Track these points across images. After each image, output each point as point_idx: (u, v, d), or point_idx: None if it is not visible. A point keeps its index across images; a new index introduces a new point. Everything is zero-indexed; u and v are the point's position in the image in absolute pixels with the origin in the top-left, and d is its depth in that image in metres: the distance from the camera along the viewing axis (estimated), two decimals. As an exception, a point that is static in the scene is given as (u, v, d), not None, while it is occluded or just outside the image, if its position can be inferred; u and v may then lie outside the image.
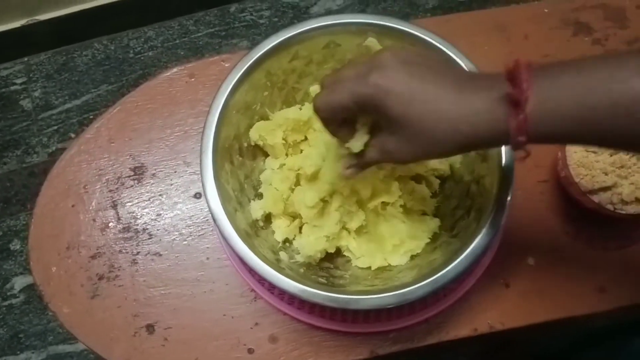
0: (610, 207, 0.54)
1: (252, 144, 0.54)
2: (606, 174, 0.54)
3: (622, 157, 0.54)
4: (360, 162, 0.43)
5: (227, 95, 0.49)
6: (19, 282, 0.78)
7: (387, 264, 0.52)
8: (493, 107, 0.35)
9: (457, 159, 0.55)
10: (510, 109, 0.34)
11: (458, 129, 0.35)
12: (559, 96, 0.33)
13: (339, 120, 0.41)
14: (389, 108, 0.36)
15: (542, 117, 0.33)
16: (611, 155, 0.55)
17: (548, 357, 0.82)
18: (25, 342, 0.76)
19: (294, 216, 0.52)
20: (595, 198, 0.54)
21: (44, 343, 0.77)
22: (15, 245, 0.80)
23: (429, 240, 0.53)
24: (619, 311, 0.56)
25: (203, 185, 0.47)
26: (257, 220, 0.51)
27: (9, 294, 0.73)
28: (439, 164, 0.54)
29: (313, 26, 0.51)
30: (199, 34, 0.81)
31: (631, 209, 0.54)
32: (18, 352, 0.73)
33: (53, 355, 0.72)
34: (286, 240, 0.52)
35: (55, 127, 0.77)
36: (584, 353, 0.70)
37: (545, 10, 0.66)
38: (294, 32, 0.51)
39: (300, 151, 0.55)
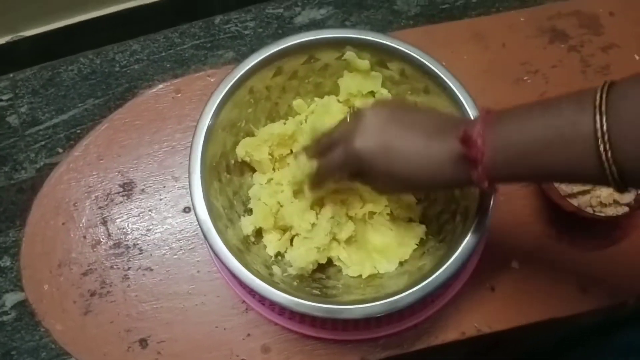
0: (589, 210, 0.55)
1: (239, 160, 0.55)
2: None
3: None
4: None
5: (212, 115, 0.50)
6: (10, 299, 0.78)
7: (376, 272, 0.53)
8: (456, 163, 0.41)
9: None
10: (469, 164, 0.39)
11: (431, 176, 0.42)
12: (507, 146, 0.38)
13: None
14: (373, 167, 0.44)
15: (496, 167, 0.38)
16: None
17: (536, 356, 0.84)
18: (18, 359, 0.76)
19: (285, 229, 0.53)
20: (575, 201, 0.56)
21: None
22: (5, 262, 0.80)
23: (416, 247, 0.54)
24: (600, 311, 0.58)
25: (193, 204, 0.47)
26: (248, 236, 0.52)
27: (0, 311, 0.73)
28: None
29: (292, 43, 0.52)
30: (185, 46, 0.82)
31: (609, 211, 0.55)
32: (10, 369, 0.72)
33: (46, 372, 0.72)
34: (278, 254, 0.53)
35: (43, 143, 0.77)
36: (571, 351, 0.72)
37: (522, 19, 0.68)
38: (274, 50, 0.52)
39: (286, 165, 0.56)
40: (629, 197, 0.55)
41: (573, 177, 0.39)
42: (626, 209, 0.55)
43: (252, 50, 0.51)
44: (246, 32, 0.77)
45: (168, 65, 0.78)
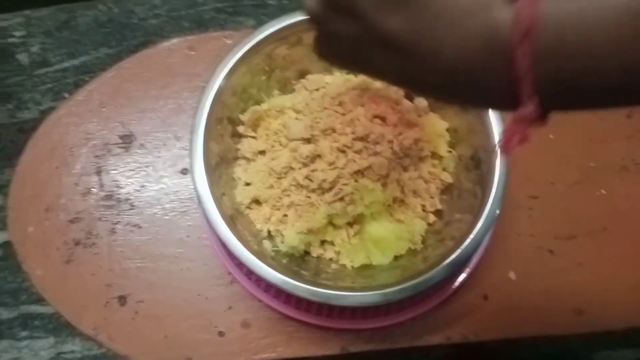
0: None
1: (244, 128, 0.53)
2: None
3: None
4: None
5: (224, 77, 0.48)
6: (-2, 238, 0.76)
7: (369, 262, 0.51)
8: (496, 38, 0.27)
9: (450, 164, 0.54)
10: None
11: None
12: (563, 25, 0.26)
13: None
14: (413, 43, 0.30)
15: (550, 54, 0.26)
16: None
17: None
18: (-3, 298, 0.74)
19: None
20: None
21: (16, 302, 0.76)
22: (-2, 200, 0.78)
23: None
24: (593, 335, 0.56)
25: (191, 165, 0.46)
26: (242, 206, 0.51)
27: (-15, 249, 0.72)
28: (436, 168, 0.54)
29: None
30: (206, 7, 0.80)
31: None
32: (-12, 308, 0.72)
33: (24, 315, 0.71)
34: (270, 230, 0.52)
35: (50, 85, 0.76)
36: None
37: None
38: (297, 19, 0.50)
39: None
40: None
41: None
42: None
43: (274, 21, 0.50)
44: (270, 1, 0.75)
45: (186, 25, 0.76)
